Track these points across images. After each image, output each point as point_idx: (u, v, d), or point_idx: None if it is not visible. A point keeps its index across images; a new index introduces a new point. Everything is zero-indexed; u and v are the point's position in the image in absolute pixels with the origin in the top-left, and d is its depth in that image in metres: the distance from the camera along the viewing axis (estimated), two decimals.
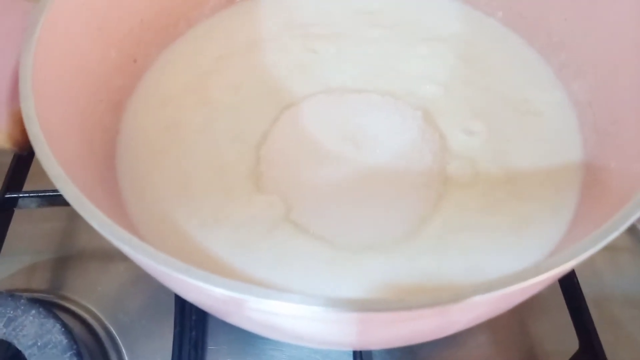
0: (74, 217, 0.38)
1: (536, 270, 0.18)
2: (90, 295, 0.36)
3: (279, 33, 0.39)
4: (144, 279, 0.36)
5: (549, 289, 0.25)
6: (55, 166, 0.21)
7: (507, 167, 0.33)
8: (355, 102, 0.36)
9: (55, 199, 0.36)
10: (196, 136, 0.34)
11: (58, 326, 0.31)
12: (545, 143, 0.34)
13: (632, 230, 0.40)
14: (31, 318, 0.31)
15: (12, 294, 0.32)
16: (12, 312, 0.31)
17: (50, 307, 0.33)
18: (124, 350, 0.34)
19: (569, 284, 0.34)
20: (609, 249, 0.38)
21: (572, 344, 0.33)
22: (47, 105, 0.24)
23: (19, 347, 0.30)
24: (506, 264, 0.29)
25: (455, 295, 0.18)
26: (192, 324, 0.34)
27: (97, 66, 0.31)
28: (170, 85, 0.36)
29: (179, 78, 0.37)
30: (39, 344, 0.31)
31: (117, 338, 0.35)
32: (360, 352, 0.29)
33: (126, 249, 0.19)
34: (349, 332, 0.21)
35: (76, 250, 0.38)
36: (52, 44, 0.27)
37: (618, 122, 0.31)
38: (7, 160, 0.38)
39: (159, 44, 0.37)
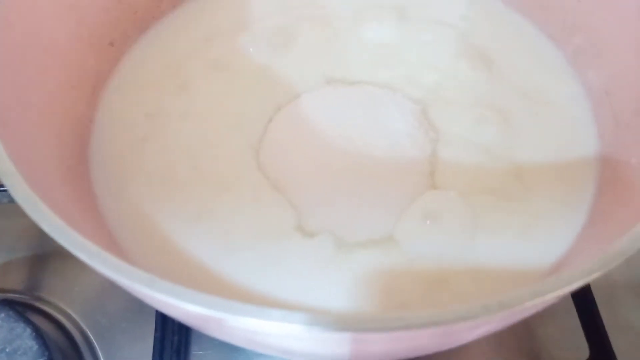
0: None
1: (555, 283, 0.16)
2: (67, 296, 0.34)
3: (270, 14, 0.37)
4: None
5: None
6: (3, 158, 0.18)
7: (515, 162, 0.30)
8: (353, 96, 0.33)
9: None
10: (179, 125, 0.31)
11: (29, 330, 0.29)
12: (558, 136, 0.32)
13: None
14: (0, 322, 0.29)
15: None
16: None
17: (22, 309, 0.31)
18: (101, 356, 0.32)
19: None
20: None
21: (581, 348, 0.31)
22: (4, 89, 0.22)
23: None
24: (512, 266, 0.27)
25: (462, 312, 0.15)
26: (174, 327, 0.31)
27: (67, 48, 0.28)
28: (150, 70, 0.34)
29: (160, 62, 0.34)
30: (7, 350, 0.29)
31: (95, 343, 0.32)
32: None
33: (83, 257, 0.17)
34: (341, 350, 0.18)
35: (52, 248, 0.36)
36: (14, 19, 0.24)
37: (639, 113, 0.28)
38: None
39: (139, 26, 0.34)
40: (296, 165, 0.30)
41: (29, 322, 0.29)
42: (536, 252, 0.27)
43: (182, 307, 0.15)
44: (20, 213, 0.37)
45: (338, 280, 0.26)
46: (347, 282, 0.26)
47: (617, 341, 0.30)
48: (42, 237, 0.36)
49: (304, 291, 0.26)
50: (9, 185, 0.18)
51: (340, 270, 0.26)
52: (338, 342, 0.17)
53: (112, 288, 0.34)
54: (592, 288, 0.32)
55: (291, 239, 0.27)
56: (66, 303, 0.34)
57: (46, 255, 0.36)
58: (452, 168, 0.30)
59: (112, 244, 0.25)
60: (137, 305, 0.33)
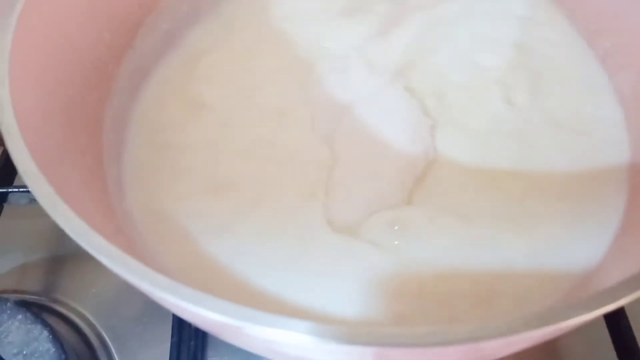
0: None
1: (600, 300, 0.15)
2: (84, 299, 0.34)
3: (308, 11, 0.36)
4: None
5: None
6: (27, 160, 0.18)
7: (537, 167, 0.29)
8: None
9: None
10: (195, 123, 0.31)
11: (46, 333, 0.29)
12: (585, 141, 0.30)
13: None
14: (17, 324, 0.29)
15: None
16: None
17: (39, 311, 0.31)
18: (117, 359, 0.32)
19: None
20: None
21: None
22: (27, 92, 0.22)
23: (2, 356, 0.28)
24: (535, 277, 0.26)
25: (501, 329, 0.14)
26: (191, 332, 0.31)
27: (89, 52, 0.28)
28: (168, 67, 0.33)
29: (179, 57, 0.34)
30: (24, 352, 0.28)
31: (111, 346, 0.32)
32: None
33: (105, 260, 0.16)
34: None
35: (70, 250, 0.35)
36: (36, 23, 0.24)
37: None
38: None
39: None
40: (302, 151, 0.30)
41: (45, 325, 0.29)
42: (563, 263, 0.26)
43: (200, 313, 0.15)
44: (37, 214, 0.37)
45: (342, 283, 0.25)
46: (351, 286, 0.25)
47: None
48: (59, 239, 0.36)
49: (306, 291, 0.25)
50: (31, 186, 0.18)
51: (345, 273, 0.26)
52: (361, 356, 0.17)
53: (129, 291, 0.34)
54: None
55: (312, 240, 0.27)
56: (83, 305, 0.33)
57: (63, 257, 0.35)
58: (466, 173, 0.29)
59: (131, 248, 0.25)
60: (154, 309, 0.33)
